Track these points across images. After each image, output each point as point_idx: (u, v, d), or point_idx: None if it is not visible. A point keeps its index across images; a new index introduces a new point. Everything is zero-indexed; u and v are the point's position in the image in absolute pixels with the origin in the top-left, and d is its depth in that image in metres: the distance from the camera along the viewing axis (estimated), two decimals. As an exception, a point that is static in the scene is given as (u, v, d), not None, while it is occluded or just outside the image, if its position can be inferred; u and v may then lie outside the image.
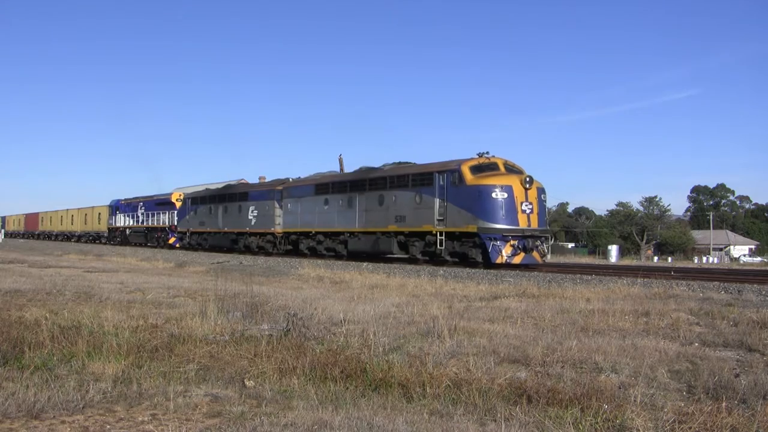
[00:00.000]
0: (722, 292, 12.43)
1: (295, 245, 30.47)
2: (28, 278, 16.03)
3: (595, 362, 6.36)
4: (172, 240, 43.56)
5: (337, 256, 27.24)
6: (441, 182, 21.78)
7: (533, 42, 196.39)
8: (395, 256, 25.05)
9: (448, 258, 21.81)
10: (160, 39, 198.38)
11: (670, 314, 9.25)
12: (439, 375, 5.85)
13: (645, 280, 15.06)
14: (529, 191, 20.47)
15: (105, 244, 54.27)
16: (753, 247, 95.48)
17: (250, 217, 33.33)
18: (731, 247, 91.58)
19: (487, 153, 21.90)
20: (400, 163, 26.31)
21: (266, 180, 39.80)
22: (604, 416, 4.67)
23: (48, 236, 73.48)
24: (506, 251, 19.98)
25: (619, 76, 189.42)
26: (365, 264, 22.47)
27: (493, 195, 20.21)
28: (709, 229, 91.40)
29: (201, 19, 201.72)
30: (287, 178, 32.80)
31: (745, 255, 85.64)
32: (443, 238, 21.48)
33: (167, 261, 26.75)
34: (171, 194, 45.18)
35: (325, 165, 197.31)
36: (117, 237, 53.32)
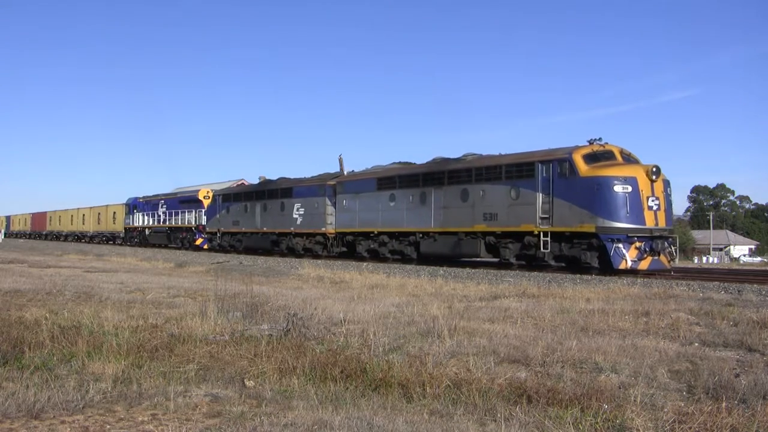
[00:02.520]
0: (722, 292, 12.44)
1: (351, 247, 27.31)
2: (28, 278, 16.04)
3: (595, 362, 6.36)
4: (199, 241, 39.66)
5: (405, 260, 24.30)
6: (544, 174, 18.76)
7: (532, 42, 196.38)
8: (482, 259, 22.20)
9: (552, 262, 19.02)
10: (160, 35, 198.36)
11: (670, 314, 9.25)
12: (439, 375, 5.85)
13: (645, 280, 15.05)
14: (655, 184, 17.53)
15: (121, 245, 50.43)
16: (753, 247, 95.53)
17: (295, 216, 29.93)
18: (731, 247, 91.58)
19: (599, 139, 18.86)
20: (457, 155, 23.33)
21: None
22: (604, 416, 4.67)
23: (57, 237, 68.84)
24: (631, 255, 17.09)
25: (619, 76, 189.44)
26: (365, 264, 22.38)
27: (615, 188, 17.21)
28: (709, 229, 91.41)
29: (203, 18, 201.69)
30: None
31: (745, 255, 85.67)
32: (548, 239, 18.54)
33: (167, 261, 26.75)
34: (198, 191, 41.50)
35: (325, 165, 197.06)
36: (135, 238, 49.46)
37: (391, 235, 24.97)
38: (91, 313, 8.95)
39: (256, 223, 33.22)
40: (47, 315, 8.89)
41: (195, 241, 40.23)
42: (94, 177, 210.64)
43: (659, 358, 6.60)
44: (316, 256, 28.47)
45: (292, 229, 30.23)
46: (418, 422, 4.60)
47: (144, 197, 49.67)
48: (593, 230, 17.46)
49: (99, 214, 59.17)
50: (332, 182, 28.30)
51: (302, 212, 29.63)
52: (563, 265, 19.04)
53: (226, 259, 28.05)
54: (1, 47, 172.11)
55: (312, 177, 30.99)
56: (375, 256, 25.88)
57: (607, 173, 17.59)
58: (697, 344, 7.42)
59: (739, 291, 12.62)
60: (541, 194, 18.84)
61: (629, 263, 17.03)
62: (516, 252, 20.08)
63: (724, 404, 4.82)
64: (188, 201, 42.18)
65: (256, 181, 41.21)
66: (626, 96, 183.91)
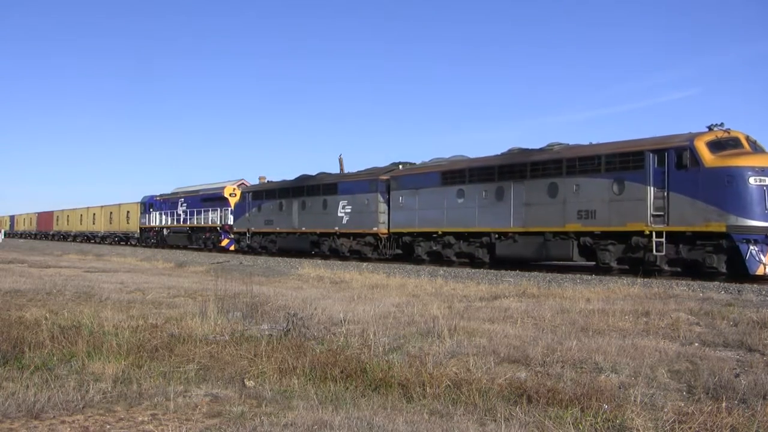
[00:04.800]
0: (722, 292, 12.43)
1: (408, 249, 24.76)
2: (28, 278, 16.05)
3: (595, 362, 6.36)
4: (225, 242, 37.27)
5: (474, 264, 21.68)
6: (657, 164, 16.53)
7: (532, 41, 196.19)
8: (574, 263, 19.72)
9: (665, 267, 16.74)
10: (158, 33, 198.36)
11: (670, 314, 9.25)
12: (439, 375, 5.85)
13: (645, 280, 15.04)
14: None
15: (136, 246, 47.80)
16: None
17: (340, 214, 27.27)
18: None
19: (722, 124, 16.45)
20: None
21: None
22: (604, 416, 4.67)
23: (65, 237, 65.41)
24: None
25: (619, 76, 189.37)
26: (365, 264, 22.34)
27: (751, 181, 15.01)
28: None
29: (202, 17, 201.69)
30: (395, 165, 26.51)
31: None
32: (662, 240, 16.30)
33: (167, 261, 26.78)
34: (223, 188, 38.73)
35: (326, 165, 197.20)
36: (151, 238, 46.69)
37: (458, 235, 22.42)
38: (91, 313, 8.95)
39: (293, 222, 30.54)
40: (47, 315, 8.89)
41: (220, 242, 37.92)
42: (97, 177, 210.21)
43: (659, 358, 6.60)
44: (365, 259, 25.80)
45: (336, 229, 27.58)
46: (418, 422, 4.61)
47: (161, 195, 46.95)
48: (723, 230, 15.26)
49: (111, 213, 56.01)
50: (385, 177, 25.53)
51: (349, 210, 26.97)
52: (678, 270, 16.84)
53: (226, 259, 28.09)
54: (2, 44, 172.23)
55: (360, 171, 28.59)
56: (437, 260, 23.41)
57: (740, 163, 15.35)
58: (697, 344, 7.42)
59: (739, 291, 12.62)
60: (652, 188, 16.60)
61: (767, 268, 15.03)
62: (618, 255, 17.82)
63: (724, 404, 4.82)
64: (212, 199, 39.70)
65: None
66: (626, 96, 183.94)
